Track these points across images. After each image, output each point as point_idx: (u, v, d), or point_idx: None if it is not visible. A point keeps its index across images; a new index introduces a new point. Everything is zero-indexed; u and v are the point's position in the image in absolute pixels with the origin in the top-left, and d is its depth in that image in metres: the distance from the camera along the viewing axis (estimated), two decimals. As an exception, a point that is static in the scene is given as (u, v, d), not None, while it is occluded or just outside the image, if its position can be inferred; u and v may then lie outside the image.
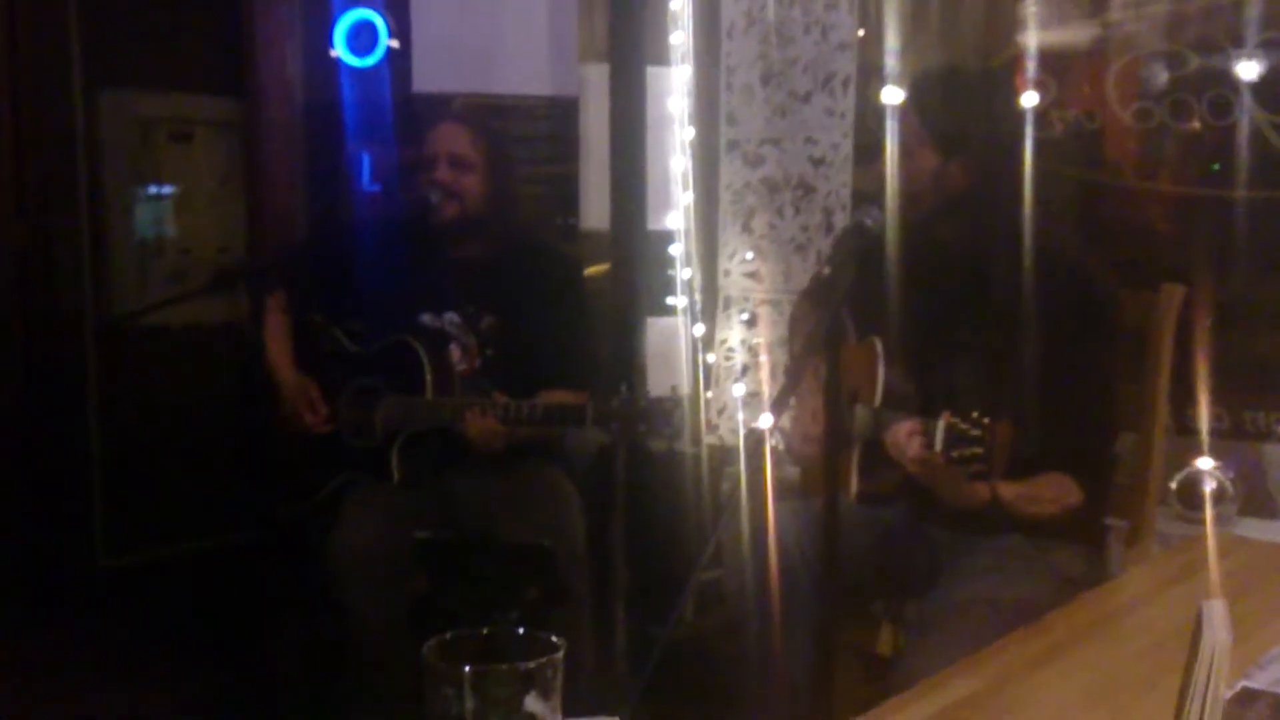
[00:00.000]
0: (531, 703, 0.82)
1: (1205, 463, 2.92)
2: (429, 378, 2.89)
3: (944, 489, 2.17)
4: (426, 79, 3.86)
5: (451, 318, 3.00)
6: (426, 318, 2.99)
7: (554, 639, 0.84)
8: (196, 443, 4.32)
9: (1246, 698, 1.40)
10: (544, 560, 2.63)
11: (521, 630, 0.85)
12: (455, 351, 2.98)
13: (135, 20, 4.39)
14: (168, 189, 4.75)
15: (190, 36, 4.50)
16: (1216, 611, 1.10)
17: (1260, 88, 3.03)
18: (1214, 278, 3.02)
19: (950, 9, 3.54)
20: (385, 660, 2.77)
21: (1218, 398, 2.93)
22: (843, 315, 2.19)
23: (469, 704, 0.81)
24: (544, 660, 0.82)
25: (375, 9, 5.10)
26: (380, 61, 5.03)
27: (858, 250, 2.10)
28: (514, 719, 0.82)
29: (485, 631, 0.85)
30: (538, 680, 0.82)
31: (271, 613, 3.44)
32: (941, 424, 2.05)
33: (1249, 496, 2.97)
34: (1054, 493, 2.23)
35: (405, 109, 4.12)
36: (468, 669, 0.81)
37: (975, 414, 2.02)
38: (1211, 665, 1.07)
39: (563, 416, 2.79)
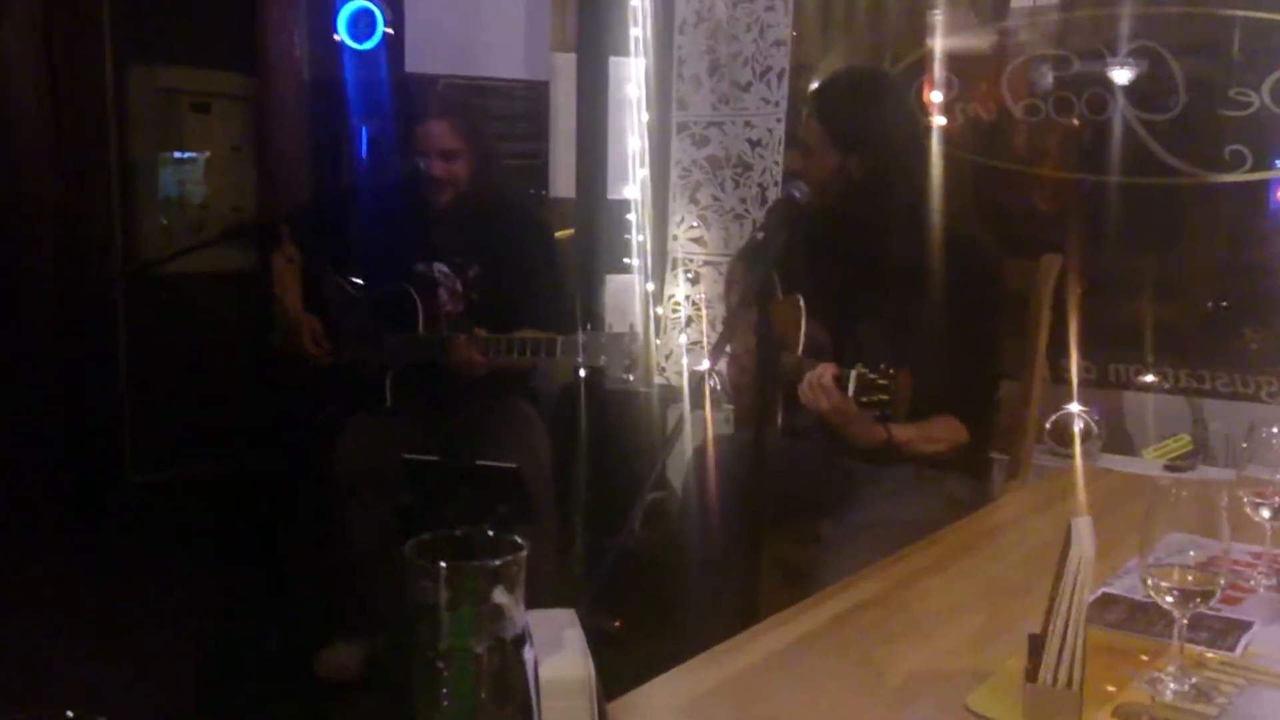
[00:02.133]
0: (498, 595, 0.81)
1: (1075, 407, 2.96)
2: (421, 318, 2.87)
3: (852, 429, 2.18)
4: (417, 61, 3.79)
5: (441, 267, 2.97)
6: (420, 267, 2.96)
7: (518, 540, 0.84)
8: (214, 373, 4.26)
9: (1106, 601, 1.42)
10: (514, 481, 2.62)
11: (490, 533, 0.84)
12: (444, 296, 2.95)
13: (160, 1, 4.29)
14: (188, 154, 4.66)
15: (210, 18, 4.39)
16: (1083, 527, 1.12)
17: (1131, 88, 3.04)
18: (1087, 251, 3.04)
19: (870, 15, 3.52)
20: (375, 561, 2.77)
21: (1087, 352, 2.96)
22: (773, 275, 2.18)
23: (443, 595, 0.80)
24: (509, 558, 0.81)
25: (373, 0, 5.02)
26: (378, 45, 4.95)
27: (787, 219, 2.11)
28: (482, 609, 0.81)
29: (458, 534, 0.84)
30: (503, 576, 0.81)
31: (279, 520, 3.43)
32: (853, 373, 2.05)
33: (1111, 436, 3.00)
34: (944, 433, 2.24)
35: (399, 88, 4.06)
36: (443, 565, 0.80)
37: (883, 365, 2.03)
38: (1078, 571, 1.08)
39: (536, 348, 2.77)
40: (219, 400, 4.20)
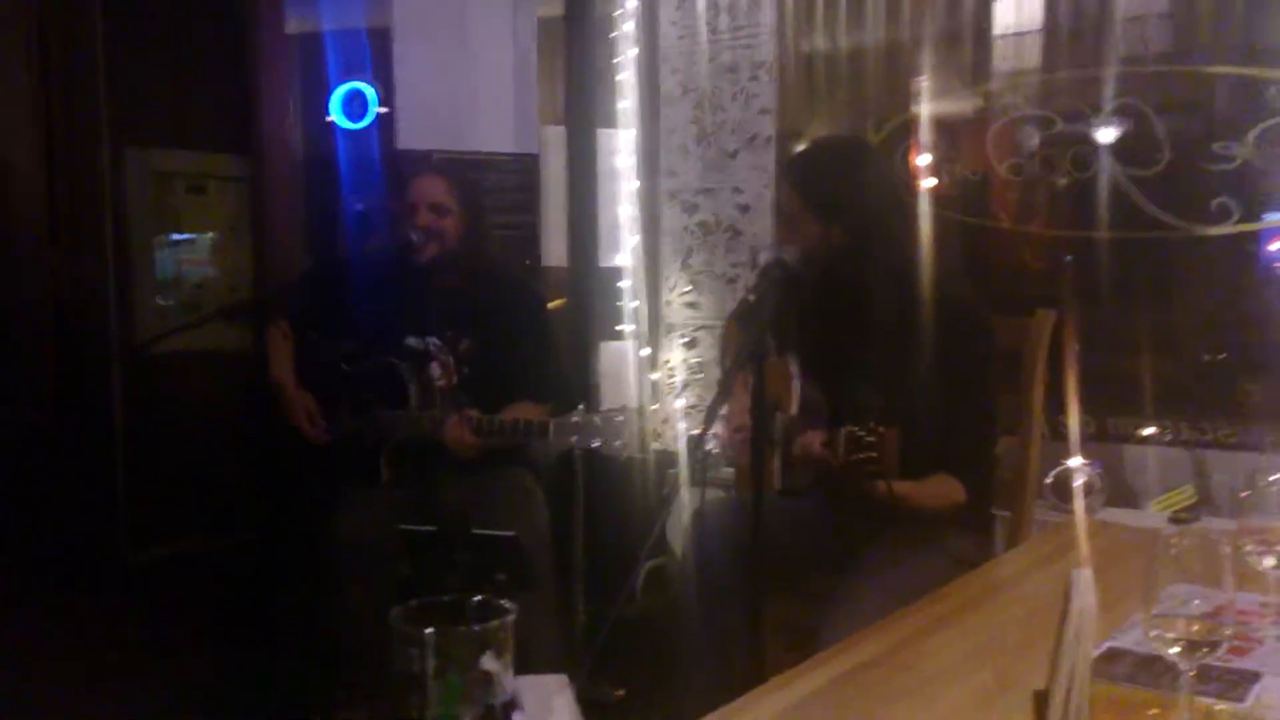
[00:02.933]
0: (486, 661, 0.79)
1: (1076, 461, 2.93)
2: (413, 392, 2.85)
3: (847, 489, 2.16)
4: (409, 137, 3.82)
5: (433, 340, 2.96)
6: (411, 340, 2.95)
7: (505, 604, 0.81)
8: (209, 451, 4.24)
9: (1113, 655, 1.39)
10: (513, 549, 2.59)
11: (478, 599, 0.82)
12: (436, 369, 2.94)
13: (156, 86, 4.34)
14: (184, 234, 4.68)
15: (205, 102, 4.44)
16: (1084, 579, 1.09)
17: (1115, 145, 3.06)
18: (1081, 306, 3.04)
19: (852, 82, 3.56)
20: (374, 635, 2.72)
21: (1086, 407, 2.94)
22: (765, 336, 2.17)
23: (431, 662, 0.78)
24: (495, 623, 0.80)
25: (366, 81, 5.10)
26: (371, 125, 5.02)
27: (778, 279, 2.10)
28: (470, 676, 0.79)
29: (445, 599, 0.82)
30: (491, 641, 0.79)
31: (275, 597, 3.38)
32: (842, 432, 2.04)
33: (1114, 490, 2.97)
34: (940, 490, 2.22)
35: (391, 164, 4.09)
36: (429, 631, 0.78)
37: (871, 424, 2.01)
38: (1079, 624, 1.05)
39: (529, 430, 2.75)
40: (215, 476, 4.18)
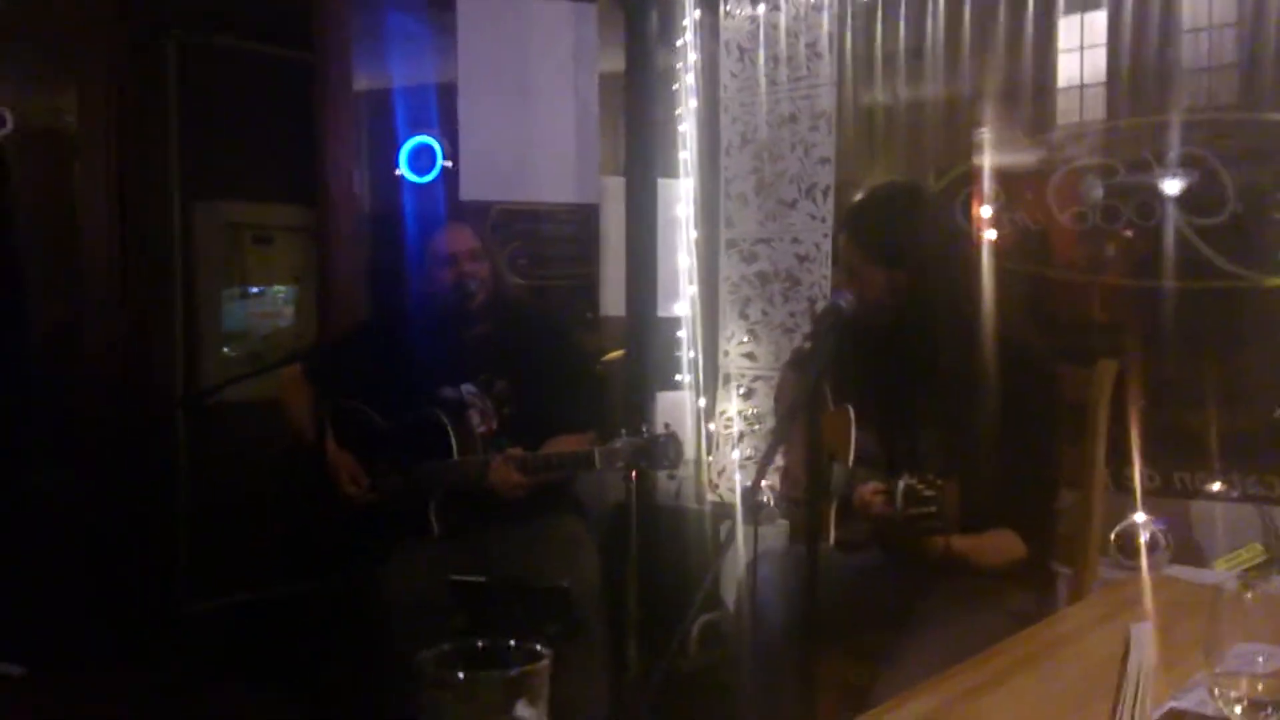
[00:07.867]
0: (520, 709, 0.78)
1: (1140, 517, 2.87)
2: (454, 442, 2.85)
3: (905, 543, 2.12)
4: (472, 189, 3.86)
5: (468, 387, 2.96)
6: (447, 390, 2.95)
7: (540, 649, 0.80)
8: (268, 501, 4.26)
9: (1174, 716, 1.33)
10: (564, 600, 2.58)
11: (511, 643, 0.81)
12: (475, 416, 2.94)
13: (226, 140, 4.43)
14: (251, 285, 4.76)
15: (273, 154, 4.53)
16: (1143, 633, 1.06)
17: (1179, 194, 3.01)
18: (1147, 357, 2.98)
19: (911, 132, 3.55)
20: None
21: (1150, 460, 2.87)
22: (822, 384, 2.15)
23: (461, 709, 0.77)
24: (529, 668, 0.78)
25: (433, 135, 5.19)
26: (437, 178, 5.10)
27: (834, 327, 2.08)
28: (502, 722, 0.77)
29: (478, 644, 0.81)
30: (525, 688, 0.78)
31: (332, 652, 3.39)
32: (901, 485, 2.00)
33: (1179, 546, 2.90)
34: (1000, 546, 2.18)
35: (454, 217, 4.13)
36: (460, 675, 0.77)
37: (931, 476, 1.98)
38: (1139, 679, 1.02)
39: (574, 461, 2.74)
40: (272, 528, 4.20)
